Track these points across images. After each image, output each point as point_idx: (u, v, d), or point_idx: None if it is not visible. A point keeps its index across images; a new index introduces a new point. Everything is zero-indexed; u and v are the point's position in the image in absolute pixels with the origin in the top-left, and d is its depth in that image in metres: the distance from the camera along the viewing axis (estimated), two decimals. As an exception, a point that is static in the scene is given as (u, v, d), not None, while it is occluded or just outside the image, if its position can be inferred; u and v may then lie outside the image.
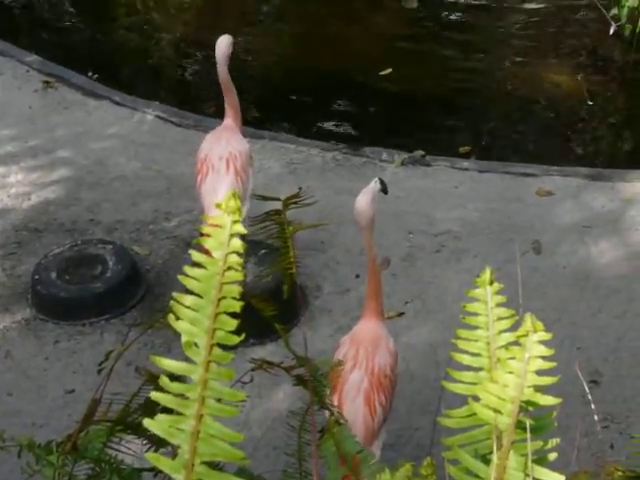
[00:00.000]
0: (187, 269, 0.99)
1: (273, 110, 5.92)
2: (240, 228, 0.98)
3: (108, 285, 4.16)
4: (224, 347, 1.12)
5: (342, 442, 1.41)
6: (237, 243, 0.97)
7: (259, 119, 5.62)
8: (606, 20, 5.97)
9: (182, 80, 6.24)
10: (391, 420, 3.50)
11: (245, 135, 4.11)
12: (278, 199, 1.75)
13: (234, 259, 0.96)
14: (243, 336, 0.98)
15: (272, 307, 1.67)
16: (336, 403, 2.84)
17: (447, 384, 0.98)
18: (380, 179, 3.15)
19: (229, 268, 0.96)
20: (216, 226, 0.99)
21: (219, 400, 0.93)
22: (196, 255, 1.00)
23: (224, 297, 0.96)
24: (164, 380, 0.90)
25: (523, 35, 6.38)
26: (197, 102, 5.81)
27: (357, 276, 4.36)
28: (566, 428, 3.37)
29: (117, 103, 5.52)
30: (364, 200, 3.03)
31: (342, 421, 1.56)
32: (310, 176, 4.98)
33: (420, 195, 4.88)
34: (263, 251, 4.19)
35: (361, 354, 2.97)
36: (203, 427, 0.91)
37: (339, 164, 5.09)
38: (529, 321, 0.90)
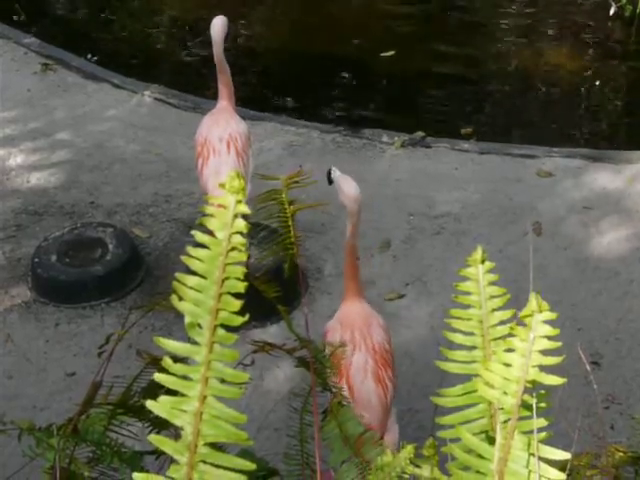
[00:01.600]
0: (190, 250, 0.98)
1: (273, 92, 5.89)
2: (244, 208, 0.97)
3: (108, 268, 4.16)
4: (226, 328, 1.11)
5: (345, 424, 1.41)
6: (241, 223, 0.96)
7: (259, 101, 5.59)
8: (607, 1, 5.94)
9: (181, 62, 6.21)
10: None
11: (244, 118, 4.10)
12: (278, 179, 1.74)
13: (238, 239, 0.95)
14: (247, 317, 0.97)
15: (274, 289, 1.66)
16: (346, 388, 2.85)
17: (441, 363, 0.98)
18: (328, 171, 3.15)
19: (233, 248, 0.95)
20: (219, 206, 0.98)
21: (222, 381, 0.92)
22: (199, 235, 0.99)
23: (228, 277, 0.95)
24: (167, 361, 0.90)
25: (524, 16, 6.34)
26: (196, 84, 5.78)
27: (357, 259, 4.35)
28: (567, 409, 3.39)
29: (116, 85, 5.49)
30: (355, 187, 3.07)
31: (345, 402, 1.56)
32: (310, 158, 4.97)
33: (420, 177, 4.86)
34: (263, 233, 4.18)
35: (357, 336, 2.97)
36: (206, 408, 0.90)
37: (339, 146, 5.07)
38: (534, 300, 0.90)
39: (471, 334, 0.99)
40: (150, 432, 1.35)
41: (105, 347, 1.50)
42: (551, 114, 5.70)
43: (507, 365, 0.87)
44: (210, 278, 0.95)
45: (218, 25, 3.86)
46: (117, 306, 4.11)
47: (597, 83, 5.83)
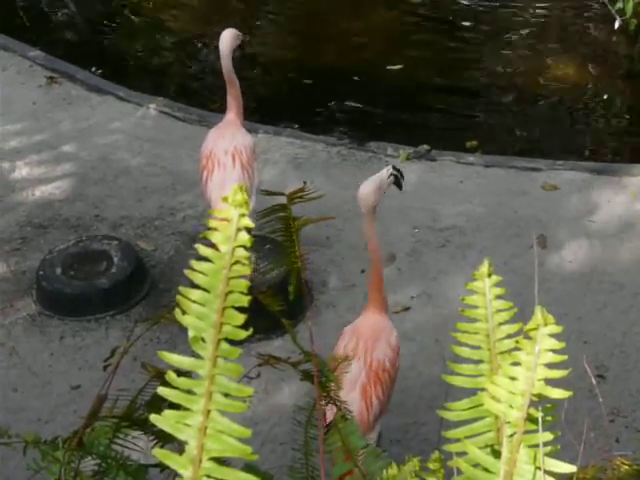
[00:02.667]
0: (194, 263, 0.98)
1: (278, 105, 5.91)
2: (247, 222, 0.97)
3: (113, 281, 4.16)
4: (231, 342, 1.11)
5: (348, 437, 1.41)
6: (244, 237, 0.96)
7: (264, 114, 5.60)
8: (611, 14, 5.95)
9: (187, 75, 6.23)
10: (398, 415, 3.51)
11: (249, 130, 4.11)
12: (283, 194, 1.75)
13: (241, 253, 0.95)
14: (251, 330, 0.97)
15: (279, 302, 1.66)
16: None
17: (448, 377, 0.98)
18: (395, 169, 3.09)
19: (236, 262, 0.95)
20: (223, 219, 0.98)
21: (226, 395, 0.92)
22: (203, 249, 0.99)
23: (231, 291, 0.95)
24: (171, 375, 0.90)
25: (529, 29, 6.36)
26: (202, 97, 5.80)
27: (362, 271, 4.35)
28: (573, 422, 3.37)
29: (121, 98, 5.51)
30: (367, 187, 3.03)
31: (349, 416, 1.56)
32: (315, 171, 4.98)
33: (425, 190, 4.87)
34: (268, 246, 4.18)
35: (361, 347, 2.99)
36: (210, 423, 0.90)
37: (344, 159, 5.08)
38: (540, 313, 0.89)
39: (478, 348, 0.99)
40: (155, 445, 1.35)
41: (110, 360, 1.50)
42: (556, 127, 5.70)
43: (513, 379, 0.87)
44: (213, 292, 0.95)
45: (226, 38, 3.87)
46: (122, 319, 4.11)
47: (602, 96, 5.83)
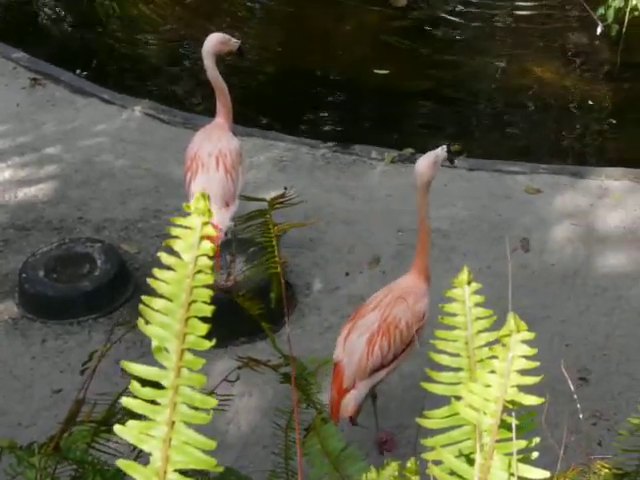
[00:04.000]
0: (156, 272, 0.97)
1: (263, 108, 5.91)
2: (210, 230, 0.97)
3: (96, 284, 4.14)
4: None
5: (327, 440, 1.41)
6: (207, 245, 0.96)
7: (249, 117, 5.60)
8: (593, 20, 5.99)
9: (171, 78, 6.22)
10: (381, 418, 3.51)
11: (235, 134, 4.10)
12: (264, 200, 1.75)
13: (204, 262, 0.95)
14: (214, 341, 0.97)
15: (259, 306, 1.66)
16: (345, 332, 3.14)
17: (427, 385, 0.98)
18: (449, 147, 3.27)
19: (199, 271, 0.94)
20: (186, 227, 0.98)
21: (191, 406, 0.92)
22: (165, 257, 0.98)
23: (195, 301, 0.95)
24: (134, 385, 0.89)
25: (512, 34, 6.39)
26: (186, 100, 5.79)
27: (347, 274, 4.35)
28: (555, 426, 3.38)
29: (105, 101, 5.49)
30: (424, 163, 3.18)
31: (327, 418, 1.56)
32: (300, 174, 4.98)
33: (410, 193, 4.85)
34: (252, 249, 4.17)
35: (385, 300, 3.18)
36: (175, 434, 0.89)
37: (329, 162, 5.08)
38: (512, 320, 0.90)
39: (457, 355, 0.99)
40: (132, 450, 1.35)
41: (88, 364, 1.50)
42: (539, 131, 5.73)
43: (487, 386, 0.87)
44: (177, 301, 0.95)
45: (209, 42, 3.86)
46: (105, 322, 4.10)
47: (584, 101, 5.87)
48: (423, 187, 3.20)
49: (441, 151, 3.23)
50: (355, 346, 3.12)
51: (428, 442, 0.93)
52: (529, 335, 0.88)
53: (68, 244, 4.35)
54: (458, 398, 0.90)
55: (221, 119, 3.93)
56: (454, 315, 1.00)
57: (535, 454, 0.94)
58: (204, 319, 0.95)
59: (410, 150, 5.13)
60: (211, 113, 4.16)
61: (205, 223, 0.95)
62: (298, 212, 4.68)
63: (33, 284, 4.14)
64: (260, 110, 5.82)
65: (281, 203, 1.67)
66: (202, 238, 0.94)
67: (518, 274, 4.34)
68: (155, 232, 4.58)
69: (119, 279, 4.21)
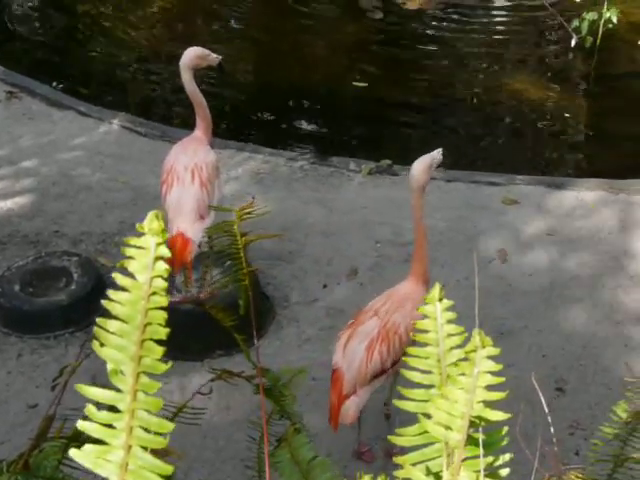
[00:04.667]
0: (111, 293, 0.96)
1: (240, 120, 5.91)
2: (165, 251, 0.96)
3: (73, 297, 4.11)
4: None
5: (297, 449, 1.41)
6: (162, 266, 0.95)
7: (226, 130, 5.60)
8: (568, 33, 6.05)
9: (149, 91, 6.21)
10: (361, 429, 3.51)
11: (213, 147, 4.10)
12: (231, 210, 1.75)
13: (159, 283, 0.94)
14: (170, 364, 0.96)
15: (231, 317, 1.66)
16: (345, 338, 3.15)
17: (398, 402, 0.98)
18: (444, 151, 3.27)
19: (154, 293, 0.94)
20: (140, 248, 0.97)
21: (147, 430, 0.91)
22: (120, 278, 0.97)
23: (150, 323, 0.94)
24: (90, 409, 0.88)
25: (488, 47, 6.44)
26: (164, 113, 5.79)
27: (325, 286, 4.36)
28: (532, 437, 3.39)
29: (82, 113, 5.48)
30: (419, 166, 3.20)
31: (300, 428, 1.56)
32: (277, 186, 4.98)
33: (387, 205, 4.89)
34: (229, 261, 4.16)
35: (385, 307, 3.19)
36: (132, 459, 0.88)
37: (306, 174, 5.09)
38: (477, 336, 0.90)
39: (429, 372, 0.99)
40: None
41: (59, 379, 1.48)
42: (516, 143, 5.78)
43: (453, 401, 0.87)
44: (132, 323, 0.94)
45: (186, 56, 3.85)
46: (82, 336, 4.06)
47: (560, 112, 5.92)
48: (418, 191, 3.21)
49: (437, 154, 3.24)
50: (355, 353, 3.15)
51: (399, 460, 0.92)
52: (494, 351, 0.89)
53: (44, 258, 4.32)
54: (429, 416, 0.90)
55: (200, 132, 3.92)
56: (426, 332, 1.00)
57: (506, 470, 0.94)
58: (159, 342, 0.94)
59: (387, 162, 5.15)
60: (189, 126, 4.15)
61: (159, 244, 0.94)
62: (276, 224, 4.69)
63: (9, 298, 4.11)
64: (237, 123, 5.83)
65: (249, 213, 1.67)
66: (157, 259, 0.94)
67: (495, 285, 4.36)
68: (132, 245, 4.56)
69: (96, 293, 4.18)
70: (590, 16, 5.86)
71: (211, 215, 3.74)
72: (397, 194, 4.97)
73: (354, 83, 5.95)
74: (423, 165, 3.19)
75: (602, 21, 5.90)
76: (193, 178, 3.75)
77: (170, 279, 4.00)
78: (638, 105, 5.81)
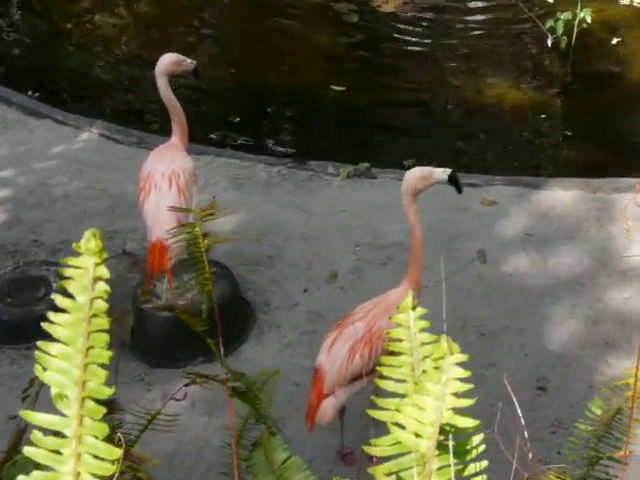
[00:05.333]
0: (51, 315, 0.93)
1: (218, 125, 5.90)
2: (104, 271, 0.93)
3: (52, 307, 4.08)
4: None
5: (272, 451, 1.41)
6: (103, 287, 0.93)
7: (203, 134, 5.59)
8: (543, 33, 6.09)
9: (125, 98, 6.19)
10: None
11: (190, 152, 4.09)
12: (190, 211, 1.74)
13: (100, 305, 0.92)
14: (114, 389, 0.94)
15: (204, 324, 1.66)
16: (331, 340, 3.20)
17: (372, 412, 0.97)
18: (453, 173, 3.23)
19: (95, 315, 0.91)
20: (78, 268, 0.94)
21: (96, 457, 0.88)
22: (60, 299, 0.94)
23: (92, 346, 0.91)
24: (35, 435, 0.86)
25: (464, 48, 6.46)
26: (141, 119, 5.76)
27: (305, 290, 4.35)
28: (514, 436, 3.40)
29: (59, 122, 5.44)
30: (412, 173, 3.22)
31: (275, 431, 1.56)
32: (256, 191, 4.97)
33: (366, 208, 4.89)
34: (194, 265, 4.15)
35: (374, 311, 3.22)
36: None
37: (285, 178, 5.09)
38: (445, 343, 0.90)
39: (403, 381, 0.98)
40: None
41: (29, 390, 1.47)
42: (493, 144, 5.80)
43: (422, 409, 0.87)
44: (74, 346, 0.91)
45: (161, 62, 3.85)
46: (62, 345, 4.04)
47: (536, 113, 5.95)
48: (407, 197, 3.23)
49: (440, 173, 3.20)
50: (338, 353, 3.18)
51: (375, 470, 0.92)
52: (462, 357, 0.89)
53: (22, 267, 4.29)
54: (402, 426, 0.89)
55: (176, 139, 3.92)
56: (399, 341, 0.99)
57: (482, 478, 0.94)
58: (103, 365, 0.91)
59: (366, 165, 5.15)
60: (166, 132, 4.14)
61: (98, 264, 0.92)
62: (255, 229, 4.69)
63: (-13, 309, 4.07)
64: (215, 128, 5.82)
65: (212, 215, 1.66)
66: (96, 279, 0.92)
67: (476, 285, 4.37)
68: (111, 253, 4.54)
69: (75, 302, 4.15)
70: (565, 16, 5.89)
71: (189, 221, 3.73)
72: (376, 197, 4.98)
73: (332, 87, 5.95)
74: (418, 173, 3.20)
75: (577, 21, 5.94)
76: (170, 185, 3.75)
77: (151, 286, 3.98)
78: (614, 104, 5.86)
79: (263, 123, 5.94)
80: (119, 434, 1.41)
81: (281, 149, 5.57)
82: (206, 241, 1.64)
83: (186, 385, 1.71)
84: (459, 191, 3.28)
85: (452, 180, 3.23)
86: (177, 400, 1.72)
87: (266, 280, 4.39)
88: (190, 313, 1.68)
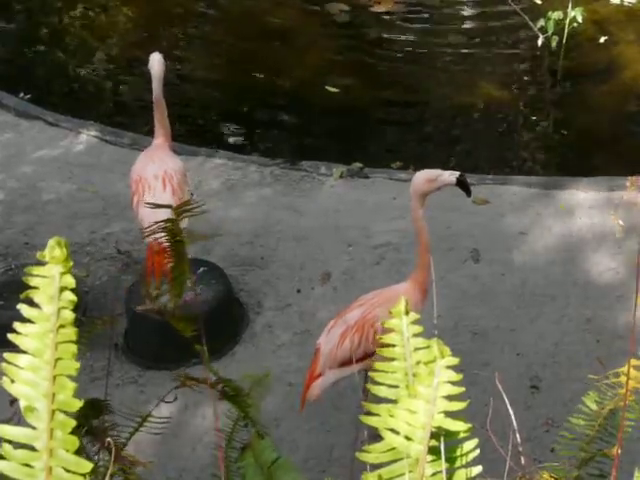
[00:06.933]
0: (18, 325, 0.91)
1: (210, 126, 5.89)
2: (70, 280, 0.91)
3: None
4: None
5: (261, 452, 1.41)
6: (69, 296, 0.90)
7: (196, 136, 5.58)
8: (534, 33, 6.10)
9: (116, 99, 6.18)
10: (336, 435, 3.51)
11: (177, 152, 4.09)
12: (169, 207, 1.74)
13: (67, 315, 0.90)
14: (82, 401, 0.92)
15: (192, 327, 1.65)
16: (332, 323, 3.28)
17: (365, 418, 0.97)
18: (462, 176, 3.21)
19: (62, 325, 0.89)
20: (44, 277, 0.92)
21: (67, 470, 0.86)
22: (26, 309, 0.92)
23: (61, 358, 0.89)
24: (5, 448, 0.84)
25: (455, 48, 6.47)
26: (132, 121, 5.75)
27: (298, 291, 4.35)
28: (509, 434, 3.40)
29: (50, 124, 5.43)
30: (420, 175, 3.21)
31: (264, 433, 1.56)
32: (248, 192, 4.97)
33: (359, 208, 4.89)
34: (202, 269, 4.15)
35: (372, 302, 3.27)
36: None
37: (277, 179, 5.08)
38: (436, 347, 0.90)
39: (396, 387, 0.97)
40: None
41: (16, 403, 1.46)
42: (485, 143, 5.81)
43: (412, 412, 0.87)
44: (41, 358, 0.89)
45: (157, 61, 3.85)
46: (54, 348, 4.03)
47: (528, 112, 5.96)
48: (415, 199, 3.23)
49: (449, 176, 3.19)
50: (333, 336, 3.24)
51: (369, 477, 0.92)
52: (453, 360, 0.88)
53: (14, 270, 4.28)
54: (395, 432, 0.89)
55: (160, 140, 3.93)
56: (392, 346, 0.99)
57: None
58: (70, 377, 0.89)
59: (358, 165, 5.15)
60: (157, 133, 4.13)
61: (64, 273, 0.90)
62: (247, 230, 4.68)
63: (-21, 312, 4.05)
64: (207, 129, 5.81)
65: (189, 211, 1.66)
66: (62, 289, 0.90)
67: (469, 285, 4.38)
68: (103, 255, 4.53)
69: (68, 304, 4.14)
70: (555, 15, 5.90)
71: (184, 221, 3.72)
72: (368, 197, 4.98)
73: (327, 87, 5.94)
74: (425, 175, 3.19)
75: (567, 20, 5.95)
76: (164, 186, 3.74)
77: (150, 289, 3.97)
78: (605, 103, 5.87)
79: (255, 124, 5.94)
80: (109, 438, 1.40)
81: (273, 149, 5.57)
82: (182, 238, 1.64)
83: (175, 388, 1.70)
84: (468, 194, 3.29)
85: (460, 183, 3.21)
86: (167, 402, 1.71)
87: (259, 281, 4.39)
88: (181, 316, 1.67)
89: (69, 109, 5.70)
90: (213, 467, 3.41)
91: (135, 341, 4.08)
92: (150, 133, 5.21)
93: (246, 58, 6.35)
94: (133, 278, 4.25)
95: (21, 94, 5.79)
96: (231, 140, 5.69)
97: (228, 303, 4.15)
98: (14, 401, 1.55)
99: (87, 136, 5.35)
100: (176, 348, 3.92)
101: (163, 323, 3.88)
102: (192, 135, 5.52)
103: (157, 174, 3.78)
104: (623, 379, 1.96)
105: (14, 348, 3.46)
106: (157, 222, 1.67)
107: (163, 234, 1.62)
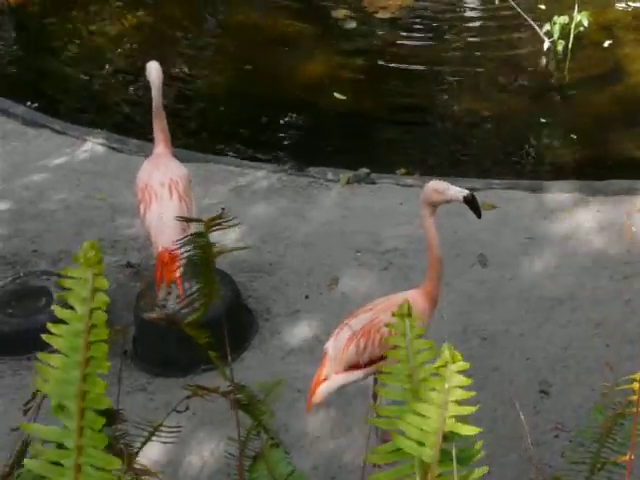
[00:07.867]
0: (51, 326, 0.92)
1: (218, 134, 5.91)
2: (103, 282, 0.92)
3: (53, 317, 4.08)
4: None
5: (274, 464, 1.41)
6: (102, 298, 0.92)
7: (204, 143, 5.59)
8: (540, 37, 6.10)
9: (123, 107, 6.19)
10: (339, 438, 3.50)
11: (176, 157, 4.10)
12: (200, 220, 1.74)
13: (100, 315, 0.91)
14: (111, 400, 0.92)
15: (205, 334, 1.65)
16: (340, 328, 3.29)
17: (372, 420, 0.97)
18: (472, 195, 3.20)
19: (94, 325, 0.91)
20: (77, 279, 0.93)
21: (96, 467, 0.88)
22: (59, 310, 0.93)
23: (93, 357, 0.90)
24: (35, 447, 0.86)
25: (461, 53, 6.47)
26: (139, 128, 5.77)
27: (306, 297, 4.35)
28: (519, 439, 3.40)
29: (57, 132, 5.45)
30: (429, 185, 3.22)
31: (277, 443, 1.56)
32: (256, 198, 4.97)
33: (366, 213, 4.90)
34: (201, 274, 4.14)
35: (380, 307, 3.28)
36: None
37: (285, 185, 5.09)
38: (447, 351, 0.90)
39: (400, 389, 0.97)
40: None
41: (31, 403, 1.47)
42: (491, 147, 5.80)
43: (424, 416, 0.87)
44: (74, 357, 0.90)
45: (155, 70, 3.86)
46: (63, 356, 4.03)
47: (534, 116, 5.96)
48: (424, 208, 3.25)
49: (457, 192, 3.16)
50: (340, 340, 3.26)
51: (373, 478, 0.92)
52: (464, 365, 0.88)
53: (23, 278, 4.29)
54: (402, 433, 0.89)
55: (161, 147, 3.94)
56: (396, 348, 0.99)
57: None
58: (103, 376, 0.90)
59: (365, 170, 5.16)
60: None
61: (97, 274, 0.91)
62: (255, 236, 4.69)
63: (-12, 320, 4.07)
64: (215, 136, 5.82)
65: (219, 224, 1.66)
66: (95, 290, 0.91)
67: (476, 290, 4.37)
68: (112, 263, 4.54)
69: (76, 312, 4.15)
70: (561, 20, 5.91)
71: (190, 229, 3.73)
72: (376, 203, 4.98)
73: (336, 94, 5.95)
74: (434, 186, 3.20)
75: (573, 24, 5.95)
76: (171, 193, 3.75)
77: (160, 297, 3.97)
78: (612, 106, 5.86)
79: (263, 131, 5.95)
80: (121, 446, 1.40)
81: (281, 156, 5.58)
82: (214, 250, 1.64)
83: (187, 397, 1.70)
84: (478, 215, 3.22)
85: (469, 202, 3.17)
86: (179, 412, 1.71)
87: (267, 287, 4.39)
88: (194, 325, 1.68)
89: (76, 117, 5.73)
90: (223, 475, 3.42)
91: (144, 348, 4.08)
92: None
93: (253, 65, 6.36)
94: (142, 285, 4.26)
95: (28, 103, 5.81)
96: (239, 147, 5.70)
97: (237, 310, 4.15)
98: (27, 410, 1.55)
99: (93, 144, 5.37)
100: (185, 355, 3.93)
101: (172, 330, 3.91)
102: (200, 142, 5.54)
103: (163, 181, 3.79)
104: (636, 386, 1.95)
105: (21, 356, 3.45)
106: (188, 235, 1.68)
107: (191, 246, 1.62)
